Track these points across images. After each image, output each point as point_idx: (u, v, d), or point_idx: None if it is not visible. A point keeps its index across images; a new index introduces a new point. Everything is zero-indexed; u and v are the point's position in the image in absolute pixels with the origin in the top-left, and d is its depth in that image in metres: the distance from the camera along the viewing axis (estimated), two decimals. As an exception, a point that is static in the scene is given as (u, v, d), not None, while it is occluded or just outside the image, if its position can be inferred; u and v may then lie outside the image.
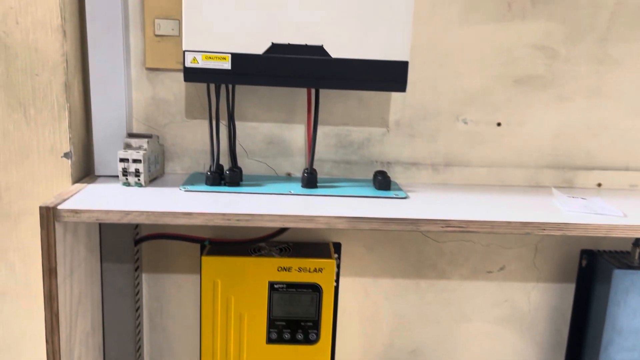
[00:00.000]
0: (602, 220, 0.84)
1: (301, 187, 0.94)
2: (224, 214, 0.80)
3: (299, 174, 1.03)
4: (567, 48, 0.99)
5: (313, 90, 0.95)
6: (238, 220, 0.80)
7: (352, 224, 0.81)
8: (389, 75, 0.87)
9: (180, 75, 0.95)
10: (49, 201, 0.80)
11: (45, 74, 0.87)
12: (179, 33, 0.95)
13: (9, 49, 0.85)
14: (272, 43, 0.85)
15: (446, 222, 0.82)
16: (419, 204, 0.89)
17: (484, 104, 1.01)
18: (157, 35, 0.96)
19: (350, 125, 1.02)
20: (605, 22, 0.98)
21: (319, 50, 0.86)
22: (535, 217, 0.84)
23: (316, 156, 1.01)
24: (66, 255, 0.83)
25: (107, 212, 0.79)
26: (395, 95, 1.00)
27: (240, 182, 0.95)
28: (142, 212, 0.79)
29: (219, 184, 0.93)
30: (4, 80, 0.86)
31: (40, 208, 0.77)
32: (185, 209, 0.80)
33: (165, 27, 0.95)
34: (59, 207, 0.78)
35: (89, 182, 0.92)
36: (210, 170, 0.93)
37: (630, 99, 1.02)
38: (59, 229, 0.80)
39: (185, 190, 0.90)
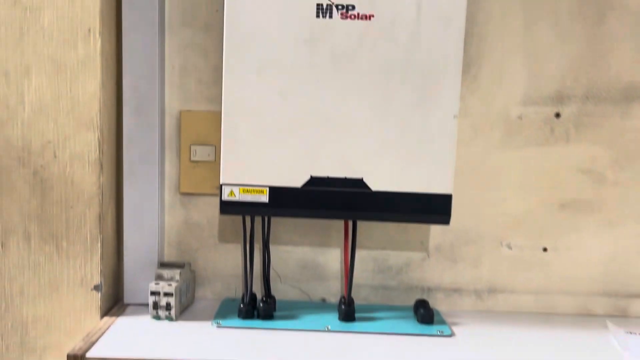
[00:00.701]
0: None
1: (338, 321, 0.89)
2: (259, 364, 0.75)
3: (334, 299, 0.98)
4: (614, 172, 0.95)
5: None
6: (274, 369, 0.75)
7: (396, 374, 0.75)
8: (431, 208, 0.84)
9: (215, 199, 0.94)
10: (77, 346, 0.76)
11: (80, 206, 0.85)
12: (215, 158, 0.94)
13: (45, 182, 0.84)
14: (311, 176, 0.83)
15: (499, 374, 0.75)
16: (466, 344, 0.83)
17: (529, 228, 0.97)
18: (192, 161, 0.95)
19: (389, 249, 0.98)
20: (654, 145, 0.95)
21: (359, 183, 0.83)
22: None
23: (353, 281, 0.97)
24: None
25: (140, 360, 0.75)
26: (435, 220, 0.97)
27: (274, 314, 0.90)
28: (174, 360, 0.75)
29: (252, 317, 0.88)
30: (38, 214, 0.85)
31: (69, 356, 0.74)
32: (219, 356, 0.76)
33: (201, 153, 0.94)
34: (88, 354, 0.75)
35: (117, 314, 0.89)
36: (243, 302, 0.89)
37: (685, 223, 0.96)
38: (86, 376, 0.76)
39: (218, 326, 0.86)
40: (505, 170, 0.96)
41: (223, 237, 0.97)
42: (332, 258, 0.98)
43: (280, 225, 0.96)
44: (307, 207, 0.84)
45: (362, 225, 0.95)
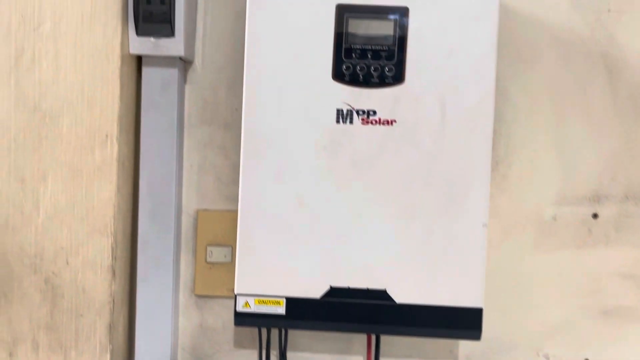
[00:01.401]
0: None
1: None
2: None
3: (356, 411, 0.91)
4: (661, 277, 0.88)
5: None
6: None
7: None
8: (460, 323, 0.78)
9: (231, 301, 0.89)
10: None
11: (91, 315, 0.82)
12: (232, 260, 0.90)
13: (56, 289, 0.82)
14: (331, 287, 0.78)
15: None
16: None
17: (568, 337, 0.89)
18: (208, 262, 0.91)
19: (415, 358, 0.91)
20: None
21: (382, 294, 0.78)
22: None
23: (377, 393, 0.90)
24: None
25: None
26: (465, 326, 0.90)
27: None
28: None
29: None
30: (47, 321, 0.82)
31: None
32: None
33: (217, 254, 0.91)
34: None
35: None
36: (258, 419, 0.83)
37: None
38: None
39: None
40: (540, 275, 0.89)
41: (239, 343, 0.92)
42: (355, 366, 0.92)
43: (299, 330, 0.91)
44: (327, 320, 0.79)
45: (388, 342, 0.89)
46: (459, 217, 0.77)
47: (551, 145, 0.89)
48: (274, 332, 0.87)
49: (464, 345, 0.90)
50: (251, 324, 0.80)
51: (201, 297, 0.92)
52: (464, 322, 0.78)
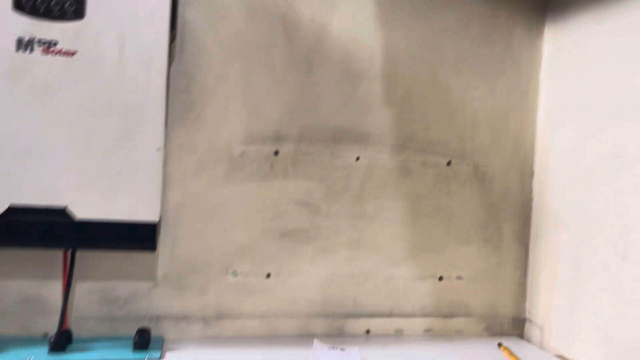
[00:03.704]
0: (341, 378, 0.86)
1: (47, 354, 0.88)
2: None
3: (58, 333, 0.97)
4: (327, 204, 1.07)
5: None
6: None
7: (77, 399, 0.76)
8: (137, 237, 0.88)
9: None
10: None
11: None
12: None
13: None
14: (10, 205, 0.83)
15: (182, 391, 0.79)
16: (168, 368, 0.87)
17: (253, 256, 1.05)
18: None
19: (116, 279, 0.99)
20: (359, 181, 1.08)
21: (62, 212, 0.85)
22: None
23: (77, 314, 0.97)
24: None
25: None
26: (163, 249, 1.01)
27: (-24, 350, 0.87)
28: None
29: (-53, 354, 0.85)
30: None
31: None
32: None
33: None
34: None
35: None
36: (-62, 339, 0.85)
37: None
38: None
39: None
40: (230, 203, 1.03)
41: None
42: (58, 290, 0.97)
43: (-4, 257, 0.94)
44: (6, 238, 0.84)
45: (86, 255, 0.96)
46: (137, 142, 0.87)
47: (240, 92, 1.03)
48: (-33, 259, 0.89)
49: (162, 267, 1.01)
50: None
51: None
52: (140, 236, 0.88)
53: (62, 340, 0.89)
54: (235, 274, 1.04)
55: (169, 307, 1.01)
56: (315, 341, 1.01)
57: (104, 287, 0.99)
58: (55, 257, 0.96)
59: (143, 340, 0.92)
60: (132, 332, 0.99)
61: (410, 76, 1.10)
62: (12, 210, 0.83)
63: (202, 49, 1.01)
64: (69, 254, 0.92)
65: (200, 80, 1.01)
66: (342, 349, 0.98)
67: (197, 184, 1.02)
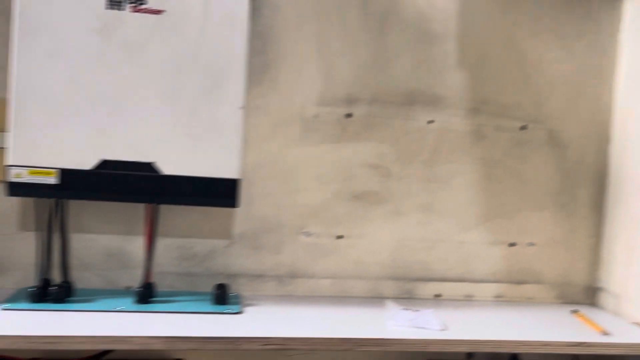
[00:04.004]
0: (420, 335, 0.87)
1: (132, 304, 0.92)
2: (27, 337, 0.76)
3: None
4: (398, 167, 1.07)
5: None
6: (45, 343, 0.76)
7: (169, 344, 0.79)
8: (219, 192, 0.90)
9: (15, 186, 0.94)
10: None
11: None
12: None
13: None
14: (102, 159, 0.87)
15: (266, 340, 0.81)
16: (249, 320, 0.89)
17: (325, 217, 1.06)
18: (-9, 147, 0.95)
19: (194, 237, 1.02)
20: (432, 145, 1.08)
21: (150, 167, 0.88)
22: (357, 333, 0.85)
23: (158, 269, 1.00)
24: None
25: None
26: (240, 208, 1.03)
27: (69, 298, 0.91)
28: None
29: (42, 301, 0.89)
30: None
31: None
32: (-9, 332, 0.76)
33: None
34: None
35: None
36: (34, 287, 0.89)
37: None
38: None
39: (4, 309, 0.85)
40: (303, 165, 1.05)
41: (23, 226, 0.97)
42: (139, 246, 1.00)
43: (83, 211, 0.98)
44: (98, 190, 0.87)
45: (167, 213, 0.99)
46: (220, 100, 0.89)
47: (314, 54, 1.04)
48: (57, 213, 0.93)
49: (238, 225, 1.03)
50: (25, 194, 0.86)
51: (-16, 181, 0.95)
52: (223, 192, 0.90)
53: (147, 292, 0.93)
54: (307, 234, 1.06)
55: (244, 265, 1.04)
56: (388, 302, 1.02)
57: (182, 244, 1.02)
58: (137, 214, 0.99)
59: (222, 295, 0.95)
60: (209, 288, 1.02)
61: (485, 38, 1.08)
62: (104, 164, 0.87)
63: (277, 10, 1.02)
64: (152, 209, 0.95)
65: (275, 42, 1.02)
66: (416, 310, 0.99)
67: (271, 146, 1.03)
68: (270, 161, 1.03)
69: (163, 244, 1.01)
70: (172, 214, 1.00)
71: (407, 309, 0.99)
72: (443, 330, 0.89)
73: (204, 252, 1.03)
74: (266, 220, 1.04)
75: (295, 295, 1.05)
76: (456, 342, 0.86)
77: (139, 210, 0.99)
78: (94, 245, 0.99)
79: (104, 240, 0.99)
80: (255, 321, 0.89)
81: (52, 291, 0.89)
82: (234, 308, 0.93)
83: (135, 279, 1.00)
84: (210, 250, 1.03)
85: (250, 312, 0.93)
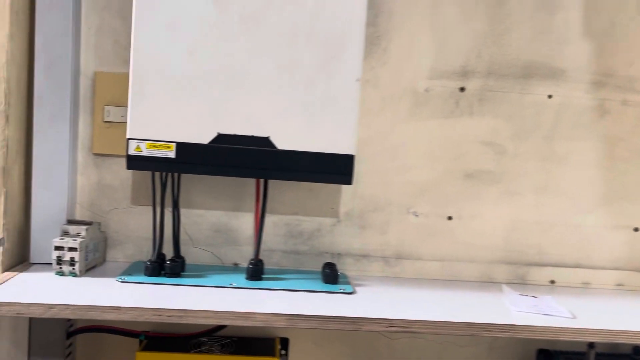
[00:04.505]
0: (550, 322, 0.81)
1: (245, 279, 0.91)
2: (155, 309, 0.76)
3: (246, 264, 1.00)
4: (514, 144, 1.01)
5: (262, 179, 0.94)
6: (170, 316, 0.76)
7: (291, 322, 0.77)
8: (334, 168, 0.87)
9: (128, 161, 0.94)
10: (-33, 292, 0.75)
11: (-17, 158, 0.85)
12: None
13: (-52, 132, 0.84)
14: (218, 133, 0.85)
15: (389, 322, 0.78)
16: (365, 301, 0.86)
17: (434, 197, 1.01)
18: (106, 122, 0.95)
19: (301, 214, 1.00)
20: (550, 121, 1.01)
21: (266, 141, 0.86)
22: (482, 318, 0.81)
23: (265, 246, 0.99)
24: (-17, 351, 0.77)
25: (29, 305, 0.74)
26: (346, 187, 1.00)
27: (182, 273, 0.91)
28: (67, 306, 0.75)
29: (158, 275, 0.89)
30: (-61, 164, 0.84)
31: (-45, 301, 0.73)
32: (115, 303, 0.76)
33: (115, 113, 0.95)
34: (-23, 299, 0.74)
35: (20, 271, 0.88)
36: (150, 260, 0.90)
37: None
38: (-24, 322, 0.75)
39: (122, 282, 0.86)
40: (412, 141, 1.00)
41: (136, 200, 0.98)
42: (246, 222, 0.99)
43: (193, 187, 0.98)
44: (214, 164, 0.86)
45: (274, 189, 0.98)
46: (336, 72, 0.86)
47: (427, 24, 0.98)
48: (169, 188, 0.93)
49: (344, 204, 1.00)
50: (143, 167, 0.86)
51: (99, 155, 0.96)
52: (338, 168, 0.87)
53: (258, 269, 0.91)
54: (416, 214, 1.01)
55: (349, 245, 1.01)
56: (505, 287, 0.97)
57: (289, 222, 1.00)
58: (244, 190, 0.98)
59: (333, 274, 0.92)
60: (314, 266, 1.00)
61: (613, 5, 0.99)
62: (220, 138, 0.85)
63: (389, -20, 0.97)
64: (262, 185, 0.93)
65: (387, 12, 0.97)
66: (534, 297, 0.93)
67: (380, 120, 0.99)
68: (379, 137, 0.99)
69: (270, 221, 0.99)
70: (279, 191, 0.99)
71: (524, 295, 0.94)
72: (573, 318, 0.83)
73: (310, 230, 1.00)
74: (373, 199, 1.01)
75: (402, 277, 1.02)
76: (590, 331, 0.80)
77: (246, 186, 0.98)
78: (202, 221, 0.99)
79: (212, 216, 0.99)
80: (372, 301, 0.86)
81: (168, 265, 0.89)
82: (346, 288, 0.90)
83: (242, 256, 1.00)
84: (317, 229, 1.00)
85: (362, 292, 0.90)
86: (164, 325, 0.97)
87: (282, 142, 0.86)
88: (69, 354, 0.96)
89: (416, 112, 1.00)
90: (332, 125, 0.86)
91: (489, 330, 0.79)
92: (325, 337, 1.03)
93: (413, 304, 0.87)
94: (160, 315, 0.75)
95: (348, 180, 0.88)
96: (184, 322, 0.76)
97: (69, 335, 0.95)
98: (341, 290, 0.89)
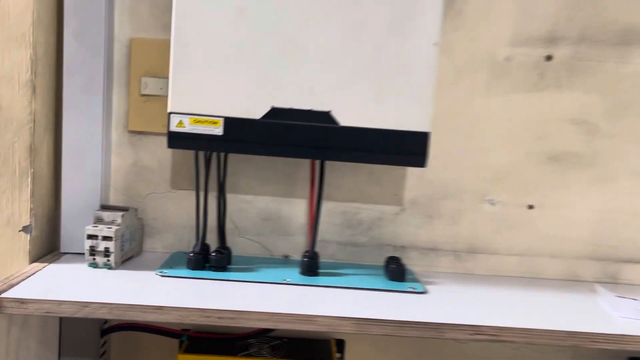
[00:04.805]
0: (669, 332, 0.68)
1: (300, 275, 0.80)
2: (202, 310, 0.65)
3: (298, 257, 0.89)
4: (608, 123, 0.87)
5: (318, 161, 0.82)
6: (220, 318, 0.65)
7: (360, 327, 0.66)
8: (406, 148, 0.75)
9: (168, 140, 0.84)
10: (-9, 287, 0.66)
11: (8, 135, 0.75)
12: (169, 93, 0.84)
13: (-32, 105, 0.74)
14: (272, 107, 0.74)
15: (476, 329, 0.66)
16: (441, 302, 0.74)
17: (514, 183, 0.88)
18: (143, 95, 0.85)
19: (360, 201, 0.88)
20: (652, 95, 0.87)
21: (326, 117, 0.74)
22: (584, 326, 0.68)
23: (318, 237, 0.87)
24: (9, 353, 0.68)
25: (60, 303, 0.64)
26: (412, 170, 0.88)
27: (228, 266, 0.81)
28: (103, 305, 0.65)
29: (202, 268, 0.79)
30: (-41, 141, 0.75)
31: (-22, 296, 0.63)
32: (157, 302, 0.66)
33: (153, 86, 0.84)
34: (3, 295, 0.64)
35: (50, 262, 0.78)
36: (193, 252, 0.79)
37: (682, 182, 0.88)
38: (1, 321, 0.66)
39: (162, 275, 0.76)
40: (490, 118, 0.87)
41: (176, 184, 0.87)
42: (298, 210, 0.88)
43: (240, 169, 0.87)
44: (267, 143, 0.74)
45: (331, 172, 0.86)
46: (409, 34, 0.73)
47: (509, -19, 0.85)
48: (213, 170, 0.82)
49: (410, 190, 0.88)
50: (186, 146, 0.75)
51: (135, 133, 0.86)
52: (410, 147, 0.75)
53: (314, 263, 0.80)
54: (492, 202, 0.89)
55: (415, 236, 0.89)
56: (599, 287, 0.83)
57: (346, 209, 0.88)
58: (296, 173, 0.87)
59: (399, 270, 0.81)
60: (375, 261, 0.89)
61: None
62: (274, 113, 0.74)
63: None
64: (317, 164, 0.82)
65: (463, -32, 0.84)
66: (634, 299, 0.80)
67: (453, 94, 0.86)
68: (450, 113, 0.86)
69: (325, 209, 0.87)
70: (336, 174, 0.87)
71: (622, 297, 0.81)
72: (694, 327, 0.70)
73: (370, 219, 0.89)
74: (443, 185, 0.88)
75: (475, 274, 0.89)
76: None
77: (299, 169, 0.87)
78: (249, 208, 0.88)
79: (260, 202, 0.88)
80: (448, 303, 0.74)
81: (213, 258, 0.79)
82: (416, 286, 0.78)
83: (293, 247, 0.89)
84: (377, 217, 0.89)
85: (434, 291, 0.78)
86: (207, 325, 0.87)
87: (345, 118, 0.74)
88: (103, 353, 0.87)
89: (494, 85, 0.86)
90: (404, 97, 0.74)
91: (594, 341, 0.67)
92: (385, 339, 0.92)
93: (496, 307, 0.75)
94: (208, 317, 0.65)
95: (421, 162, 0.75)
96: (235, 325, 0.65)
97: (103, 333, 0.85)
98: (411, 289, 0.77)
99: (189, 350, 0.81)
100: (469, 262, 0.89)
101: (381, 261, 0.88)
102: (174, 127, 0.74)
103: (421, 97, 0.74)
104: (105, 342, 0.87)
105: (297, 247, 0.89)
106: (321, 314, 0.66)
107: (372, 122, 0.74)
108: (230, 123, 0.74)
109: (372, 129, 0.74)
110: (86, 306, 0.65)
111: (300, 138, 0.74)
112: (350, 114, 0.74)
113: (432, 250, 0.89)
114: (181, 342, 0.84)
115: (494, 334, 0.66)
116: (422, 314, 0.68)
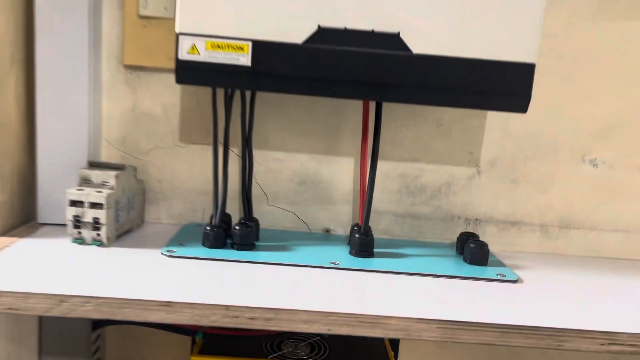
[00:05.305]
0: None
1: (350, 256, 0.61)
2: (227, 307, 0.46)
3: (341, 231, 0.70)
4: None
5: (372, 106, 0.62)
6: (252, 319, 0.46)
7: (449, 333, 0.47)
8: (502, 86, 0.55)
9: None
10: None
11: (-41, 64, 0.55)
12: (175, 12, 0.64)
13: None
14: (319, 27, 0.53)
15: (610, 337, 0.47)
16: (542, 296, 0.55)
17: (623, 139, 0.68)
18: (142, 17, 0.64)
19: (423, 161, 0.69)
20: None
21: (394, 40, 0.54)
22: None
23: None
24: (-36, 360, 0.50)
25: (27, 296, 0.46)
26: (492, 121, 0.68)
27: (256, 244, 0.62)
28: (87, 299, 0.46)
29: (222, 246, 0.60)
30: None
31: None
32: (163, 295, 0.47)
33: (154, 4, 0.64)
34: (-56, 284, 0.46)
35: (22, 235, 0.60)
36: (211, 225, 0.60)
37: None
38: (-52, 319, 0.47)
39: (170, 255, 0.57)
40: (596, 53, 0.66)
41: (187, 136, 0.68)
42: (343, 171, 0.69)
43: (269, 117, 0.67)
44: (311, 78, 0.54)
45: (387, 122, 0.66)
46: None
47: None
48: (236, 118, 0.63)
49: (488, 147, 0.68)
50: (200, 81, 0.55)
51: (133, 68, 0.66)
52: (507, 85, 0.55)
53: (369, 241, 0.61)
54: (595, 163, 0.69)
55: (494, 207, 0.70)
56: None
57: (406, 171, 0.69)
58: (341, 124, 0.67)
59: (481, 251, 0.61)
60: (440, 238, 0.70)
61: None
62: (321, 35, 0.53)
63: None
64: (375, 115, 0.62)
65: None
66: None
67: (550, 20, 0.66)
68: (546, 45, 0.66)
69: (378, 171, 0.68)
70: (393, 125, 0.67)
71: None
72: None
73: (436, 185, 0.69)
74: (532, 140, 0.68)
75: (567, 255, 0.70)
76: None
77: (345, 116, 0.67)
78: (280, 169, 0.68)
79: (295, 160, 0.68)
80: (553, 297, 0.55)
81: (237, 232, 0.59)
82: (506, 273, 0.59)
83: (336, 219, 0.70)
84: (446, 183, 0.69)
85: (528, 279, 0.59)
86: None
87: (419, 43, 0.54)
88: (97, 350, 0.69)
89: (605, 9, 0.65)
90: (500, 16, 0.53)
91: None
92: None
93: (620, 303, 0.56)
94: (237, 317, 0.46)
95: (523, 105, 0.55)
96: (274, 327, 0.47)
97: (96, 326, 0.67)
98: (500, 277, 0.58)
99: (204, 351, 0.63)
100: (559, 240, 0.70)
101: (448, 238, 0.69)
102: (184, 54, 0.54)
103: (527, 14, 0.53)
104: (98, 337, 0.69)
105: (340, 218, 0.70)
106: (393, 314, 0.47)
107: (454, 49, 0.54)
108: (261, 49, 0.53)
109: (457, 59, 0.54)
110: (64, 301, 0.46)
111: (358, 70, 0.54)
112: (426, 38, 0.54)
113: (514, 224, 0.70)
114: (193, 340, 0.65)
115: (635, 344, 0.47)
116: (526, 313, 0.49)
